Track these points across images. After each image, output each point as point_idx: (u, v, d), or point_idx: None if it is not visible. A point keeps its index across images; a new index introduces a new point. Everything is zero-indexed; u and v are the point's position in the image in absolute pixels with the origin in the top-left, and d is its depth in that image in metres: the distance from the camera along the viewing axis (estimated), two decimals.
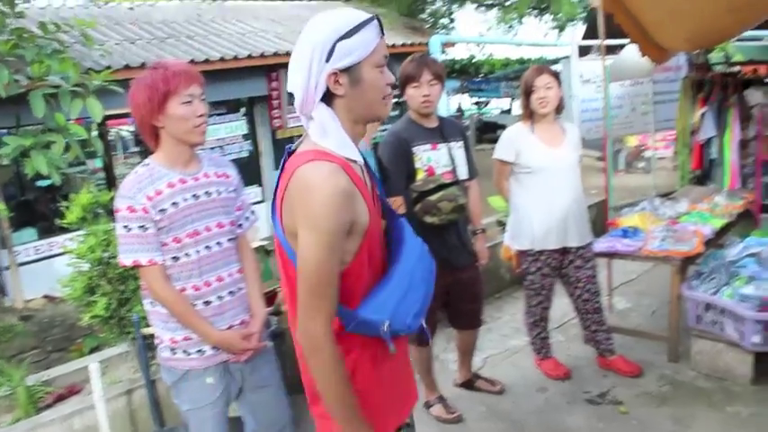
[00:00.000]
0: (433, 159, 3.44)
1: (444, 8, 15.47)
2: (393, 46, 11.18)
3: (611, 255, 4.37)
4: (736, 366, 3.85)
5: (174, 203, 2.29)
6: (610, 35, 5.49)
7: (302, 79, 1.59)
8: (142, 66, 7.70)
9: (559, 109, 3.83)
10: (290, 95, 1.68)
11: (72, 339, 6.49)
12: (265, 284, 3.92)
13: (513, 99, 22.60)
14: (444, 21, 15.65)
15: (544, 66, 3.99)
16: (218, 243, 2.41)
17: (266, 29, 10.59)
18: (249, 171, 10.29)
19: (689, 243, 4.14)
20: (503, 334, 4.92)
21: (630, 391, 3.89)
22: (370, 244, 1.65)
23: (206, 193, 2.39)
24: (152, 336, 3.69)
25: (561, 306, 4.62)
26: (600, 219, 6.17)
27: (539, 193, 3.81)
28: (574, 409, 3.77)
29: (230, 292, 2.45)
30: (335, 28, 1.57)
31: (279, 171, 1.68)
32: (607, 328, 4.10)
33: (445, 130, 3.55)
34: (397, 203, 3.25)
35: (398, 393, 1.84)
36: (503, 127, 18.91)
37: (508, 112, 22.62)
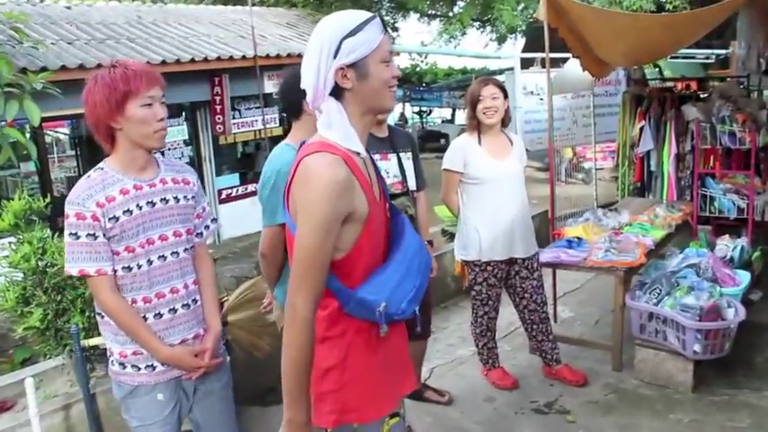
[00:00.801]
0: (383, 169, 3.41)
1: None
2: None
3: (556, 265, 4.43)
4: (677, 374, 3.95)
5: (126, 211, 2.17)
6: (552, 49, 5.61)
7: (312, 76, 1.73)
8: (80, 67, 7.44)
9: (506, 121, 3.86)
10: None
11: (2, 351, 6.18)
12: None
13: (455, 108, 22.88)
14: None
15: (490, 77, 4.03)
16: (173, 253, 2.29)
17: (209, 33, 10.39)
18: None
19: (632, 254, 4.23)
20: (449, 344, 4.92)
21: (577, 400, 3.94)
22: (369, 233, 1.76)
23: (162, 200, 2.28)
24: (92, 348, 3.55)
25: (507, 315, 4.65)
26: (544, 229, 6.26)
27: (486, 204, 3.83)
28: (522, 419, 3.79)
29: (184, 305, 2.33)
30: (341, 27, 1.71)
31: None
32: (553, 338, 4.15)
33: (395, 141, 3.53)
34: None
35: (390, 381, 1.91)
36: (445, 136, 19.20)
37: (451, 121, 22.87)
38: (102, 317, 2.28)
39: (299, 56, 10.33)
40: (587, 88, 6.68)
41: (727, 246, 4.76)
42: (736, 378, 4.05)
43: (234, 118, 10.24)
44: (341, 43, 1.69)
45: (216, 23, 11.06)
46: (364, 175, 1.78)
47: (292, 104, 2.74)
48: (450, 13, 13.72)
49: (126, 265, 2.20)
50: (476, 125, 3.81)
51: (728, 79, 6.54)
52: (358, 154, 1.78)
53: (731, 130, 4.96)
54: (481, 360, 4.23)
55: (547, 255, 4.37)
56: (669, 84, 7.83)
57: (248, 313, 3.74)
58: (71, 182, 12.19)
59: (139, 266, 2.21)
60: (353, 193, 1.70)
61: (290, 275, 1.72)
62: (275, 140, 10.83)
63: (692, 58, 10.89)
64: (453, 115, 23.31)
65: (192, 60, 8.95)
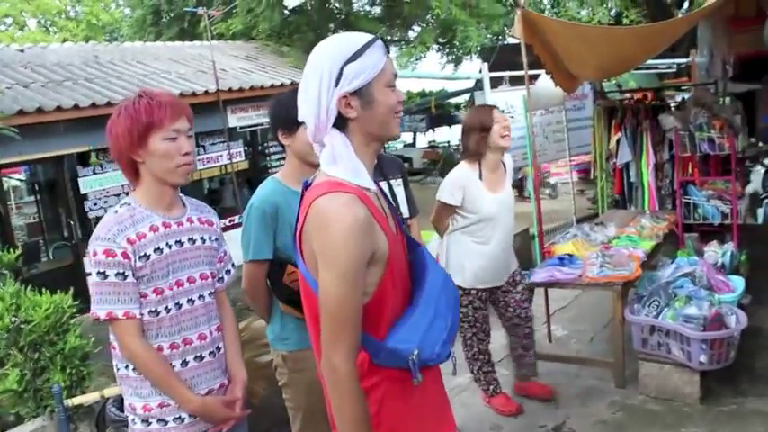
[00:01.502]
0: None
1: None
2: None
3: (552, 284, 4.34)
4: (683, 387, 3.88)
5: (157, 249, 2.04)
6: (517, 67, 5.59)
7: (313, 107, 1.60)
8: (38, 111, 7.22)
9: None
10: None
11: None
12: None
13: (416, 132, 22.93)
14: None
15: (487, 104, 3.98)
16: (200, 296, 2.16)
17: (168, 69, 10.22)
18: None
19: (627, 267, 4.18)
20: (445, 372, 4.77)
21: (585, 422, 3.84)
22: (392, 273, 1.64)
23: (190, 240, 2.15)
24: (76, 407, 3.34)
25: (500, 338, 4.54)
26: (525, 247, 6.21)
27: (477, 237, 3.75)
28: None
29: (211, 353, 2.17)
30: (340, 52, 1.58)
31: (298, 205, 1.70)
32: (534, 353, 4.11)
33: (384, 167, 3.42)
34: None
35: (431, 424, 1.78)
36: (408, 160, 19.21)
37: (412, 145, 22.89)
38: (124, 368, 2.10)
39: (262, 88, 10.31)
40: (559, 103, 6.69)
41: (716, 252, 4.76)
42: (741, 386, 4.00)
43: (198, 154, 10.05)
44: (342, 69, 1.57)
45: (175, 59, 10.91)
46: (379, 210, 1.66)
47: (275, 139, 2.64)
48: (406, 38, 13.76)
49: (153, 309, 2.05)
50: (478, 153, 3.71)
51: (695, 88, 6.60)
52: (368, 189, 1.64)
53: (709, 136, 4.98)
54: (481, 387, 4.11)
55: (541, 274, 4.29)
56: (626, 95, 7.92)
57: (243, 357, 3.57)
58: (32, 229, 11.79)
59: (168, 310, 2.07)
60: (374, 231, 1.58)
61: (322, 333, 1.59)
62: (240, 175, 10.71)
63: (655, 68, 11.08)
64: (414, 139, 23.35)
65: None
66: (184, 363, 2.10)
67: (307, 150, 2.50)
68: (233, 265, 2.37)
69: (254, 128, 10.94)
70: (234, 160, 10.28)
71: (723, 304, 3.93)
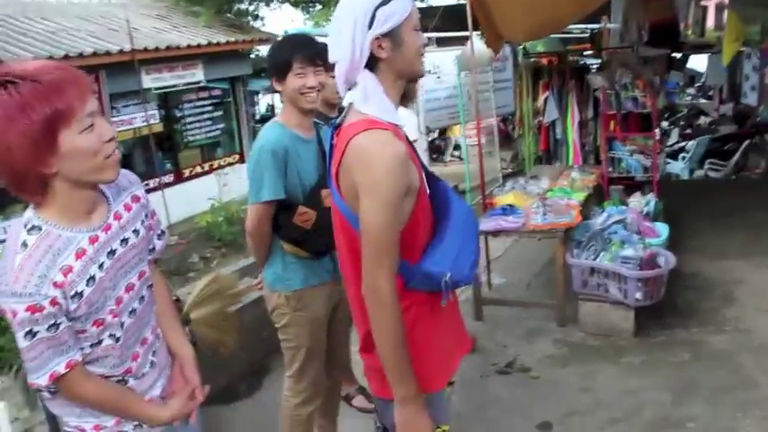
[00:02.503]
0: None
1: (250, 7, 15.20)
2: (218, 44, 10.85)
3: (498, 232, 4.60)
4: (619, 323, 4.25)
5: (90, 279, 1.58)
6: (436, 29, 5.78)
7: (347, 49, 1.68)
8: None
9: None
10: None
11: None
12: None
13: None
14: (251, 18, 15.38)
15: None
16: (141, 298, 1.77)
17: (78, 27, 9.74)
18: None
19: (568, 215, 4.49)
20: None
21: (533, 358, 4.15)
22: (423, 204, 1.76)
23: (123, 241, 1.70)
24: None
25: None
26: None
27: None
28: (489, 381, 3.94)
29: (154, 352, 1.85)
30: None
31: (329, 143, 1.82)
32: None
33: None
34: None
35: (452, 345, 1.93)
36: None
37: None
38: (52, 394, 1.67)
39: (178, 48, 10.04)
40: (486, 64, 6.94)
41: (640, 202, 5.16)
42: (668, 320, 4.42)
43: (111, 116, 9.70)
44: (375, 12, 1.66)
45: (83, 17, 10.40)
46: (410, 145, 1.80)
47: (280, 65, 2.61)
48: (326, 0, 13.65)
49: (95, 341, 1.65)
50: None
51: (616, 51, 7.00)
52: (398, 126, 1.75)
53: (633, 95, 5.37)
54: None
55: (488, 223, 4.53)
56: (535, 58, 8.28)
57: (212, 308, 3.60)
58: None
59: (112, 336, 1.68)
60: (410, 165, 1.70)
61: (363, 258, 1.68)
62: (158, 138, 10.43)
63: (569, 33, 11.58)
64: None
65: (66, 56, 8.38)
66: (138, 377, 1.78)
67: (294, 96, 2.60)
68: (162, 231, 1.95)
69: (170, 89, 10.65)
70: (149, 122, 10.01)
71: (653, 247, 4.31)
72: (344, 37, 1.68)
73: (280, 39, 2.90)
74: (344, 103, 1.86)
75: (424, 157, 3.76)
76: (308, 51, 2.60)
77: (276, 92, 2.71)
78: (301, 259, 2.68)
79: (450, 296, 1.80)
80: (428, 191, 1.85)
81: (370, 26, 1.66)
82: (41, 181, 1.50)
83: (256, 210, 2.61)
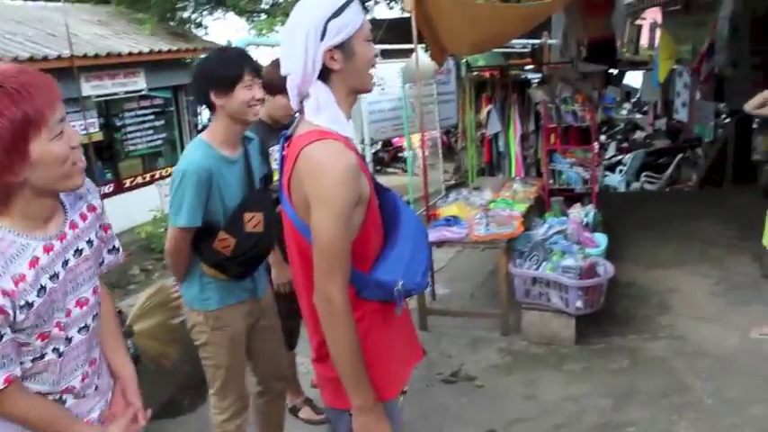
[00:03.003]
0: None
1: (194, 15, 15.03)
2: (160, 52, 10.68)
3: (441, 243, 4.66)
4: (561, 331, 4.35)
5: (41, 290, 1.50)
6: (386, 41, 5.84)
7: (299, 61, 1.69)
8: None
9: None
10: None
11: None
12: None
13: None
14: (194, 26, 15.20)
15: None
16: (94, 316, 1.70)
17: (14, 31, 9.45)
18: None
19: (510, 226, 4.58)
20: None
21: (478, 367, 4.21)
22: (373, 214, 1.79)
23: (76, 252, 1.62)
24: None
25: None
26: None
27: None
28: (435, 390, 3.98)
29: (99, 374, 1.77)
30: (324, 9, 1.68)
31: (280, 154, 1.83)
32: None
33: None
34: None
35: (404, 354, 1.95)
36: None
37: None
38: None
39: (119, 55, 9.84)
40: (430, 77, 7.03)
41: (580, 213, 5.30)
42: (606, 328, 4.55)
43: None
44: (327, 24, 1.67)
45: (19, 20, 10.09)
46: (361, 156, 1.82)
47: (204, 100, 2.57)
48: (270, 10, 13.60)
49: (38, 355, 1.56)
50: None
51: (556, 66, 7.20)
52: (347, 138, 1.77)
53: (573, 109, 5.53)
54: None
55: (432, 234, 4.57)
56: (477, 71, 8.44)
57: (156, 320, 3.57)
58: None
59: (56, 351, 1.58)
60: (360, 176, 1.71)
61: (315, 268, 1.68)
62: (98, 147, 10.18)
63: (511, 47, 11.84)
64: None
65: (0, 60, 8.09)
66: (81, 397, 1.70)
67: (242, 109, 2.52)
68: (116, 246, 1.86)
69: (110, 97, 10.42)
70: (88, 132, 9.75)
71: (593, 257, 4.44)
72: (297, 49, 1.69)
73: (215, 51, 2.82)
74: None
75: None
76: (254, 64, 2.58)
77: (208, 105, 2.56)
78: (218, 280, 2.63)
79: (404, 304, 1.82)
80: (377, 201, 1.89)
81: (322, 38, 1.68)
82: (6, 190, 1.45)
83: (175, 233, 2.54)
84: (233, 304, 2.70)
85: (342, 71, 1.73)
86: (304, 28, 1.68)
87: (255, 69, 2.57)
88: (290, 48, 1.71)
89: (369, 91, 1.90)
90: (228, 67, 2.53)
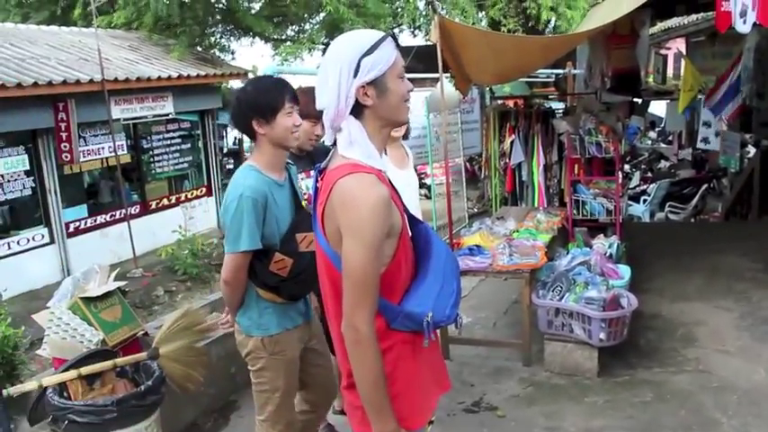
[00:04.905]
0: (311, 186, 3.45)
1: (222, 41, 15.31)
2: (188, 77, 10.87)
3: (465, 272, 4.66)
4: (584, 363, 4.32)
5: None
6: (415, 70, 5.91)
7: (333, 97, 1.77)
8: None
9: (407, 134, 4.10)
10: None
11: None
12: (127, 328, 3.64)
13: None
14: (224, 52, 15.48)
15: None
16: None
17: (48, 55, 9.69)
18: (32, 210, 9.31)
19: (534, 256, 4.58)
20: None
21: (500, 396, 4.19)
22: (405, 246, 1.83)
23: None
24: (12, 397, 3.22)
25: None
26: None
27: None
28: (456, 419, 3.96)
29: None
30: (358, 46, 1.76)
31: (314, 187, 1.91)
32: None
33: (316, 158, 3.57)
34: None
35: (432, 384, 1.97)
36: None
37: None
38: None
39: (149, 80, 10.04)
40: (455, 106, 7.10)
41: (603, 244, 5.29)
42: (630, 360, 4.51)
43: (82, 145, 9.65)
44: (360, 62, 1.74)
45: (53, 45, 10.36)
46: (393, 188, 1.86)
47: (245, 129, 2.68)
48: (294, 38, 13.82)
49: None
50: None
51: (580, 97, 7.24)
52: (381, 170, 1.81)
53: (597, 140, 5.55)
54: None
55: None
56: (501, 100, 8.48)
57: (181, 343, 3.59)
58: None
59: None
60: (392, 207, 1.76)
61: (344, 297, 1.73)
62: (125, 168, 10.37)
63: (535, 77, 11.90)
64: None
65: (36, 84, 8.34)
66: None
67: (285, 135, 2.62)
68: None
69: (138, 120, 10.62)
70: (118, 153, 9.93)
71: (616, 288, 4.42)
72: (330, 84, 1.76)
73: (253, 81, 2.90)
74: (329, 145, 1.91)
75: None
76: (292, 91, 2.68)
77: (250, 133, 2.67)
78: (276, 304, 2.70)
79: (432, 336, 1.85)
80: (410, 233, 1.91)
81: (355, 74, 1.74)
82: None
83: (234, 259, 2.60)
84: (290, 329, 2.77)
85: (374, 107, 1.79)
86: (338, 64, 1.75)
87: (294, 96, 2.65)
88: (324, 83, 1.78)
89: (404, 123, 1.99)
90: (269, 95, 2.63)
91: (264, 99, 2.60)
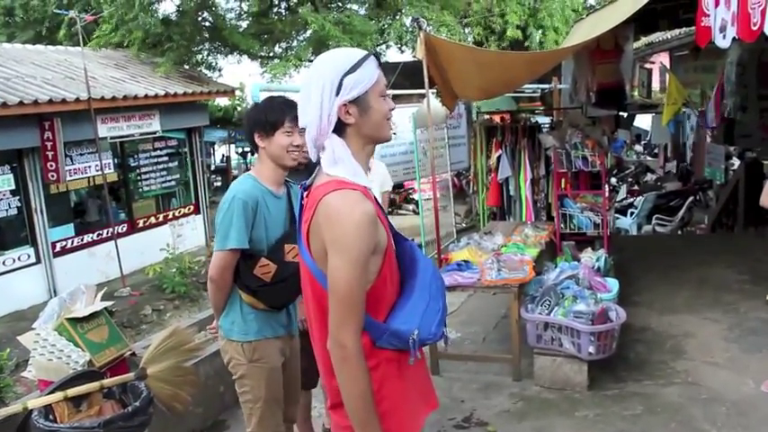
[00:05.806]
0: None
1: (209, 59, 15.32)
2: (174, 95, 10.87)
3: (453, 288, 4.66)
4: (573, 377, 4.32)
5: None
6: (400, 86, 5.96)
7: (315, 114, 1.78)
8: None
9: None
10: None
11: None
12: (114, 349, 3.61)
13: None
14: (211, 70, 15.49)
15: None
16: None
17: (33, 74, 9.66)
18: (18, 230, 9.23)
19: (522, 271, 4.59)
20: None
21: (490, 412, 4.18)
22: (390, 262, 1.82)
23: None
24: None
25: None
26: None
27: None
28: None
29: None
30: (340, 65, 1.77)
31: (299, 204, 1.89)
32: None
33: (313, 171, 3.60)
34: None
35: (419, 402, 1.96)
36: None
37: None
38: None
39: (135, 98, 10.03)
40: (442, 121, 7.13)
41: (591, 257, 5.31)
42: (620, 373, 4.52)
43: (68, 164, 9.59)
44: (342, 80, 1.75)
45: (39, 64, 10.34)
46: (378, 205, 1.85)
47: (250, 140, 2.83)
48: (281, 54, 13.86)
49: None
50: None
51: (567, 111, 7.29)
52: (365, 187, 1.81)
53: (583, 154, 5.58)
54: None
55: (444, 279, 4.59)
56: (487, 115, 8.54)
57: (169, 363, 3.56)
58: None
59: None
60: (378, 224, 1.75)
61: (330, 315, 1.72)
62: (112, 187, 10.32)
63: (521, 92, 11.99)
64: None
65: (21, 103, 8.30)
66: None
67: (280, 153, 2.74)
68: None
69: (125, 138, 10.59)
70: (103, 172, 9.89)
71: (604, 301, 4.43)
72: (313, 102, 1.77)
73: (266, 99, 3.02)
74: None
75: None
76: (296, 113, 2.75)
77: (254, 146, 2.82)
78: (258, 311, 2.74)
79: (418, 354, 1.84)
80: (395, 250, 1.92)
81: (337, 93, 1.75)
82: None
83: (222, 257, 2.69)
84: (269, 338, 2.81)
85: (357, 125, 1.80)
86: (320, 82, 1.76)
87: (296, 117, 2.72)
88: (307, 101, 1.79)
89: (387, 140, 1.95)
90: (273, 112, 2.76)
91: (267, 115, 2.73)
